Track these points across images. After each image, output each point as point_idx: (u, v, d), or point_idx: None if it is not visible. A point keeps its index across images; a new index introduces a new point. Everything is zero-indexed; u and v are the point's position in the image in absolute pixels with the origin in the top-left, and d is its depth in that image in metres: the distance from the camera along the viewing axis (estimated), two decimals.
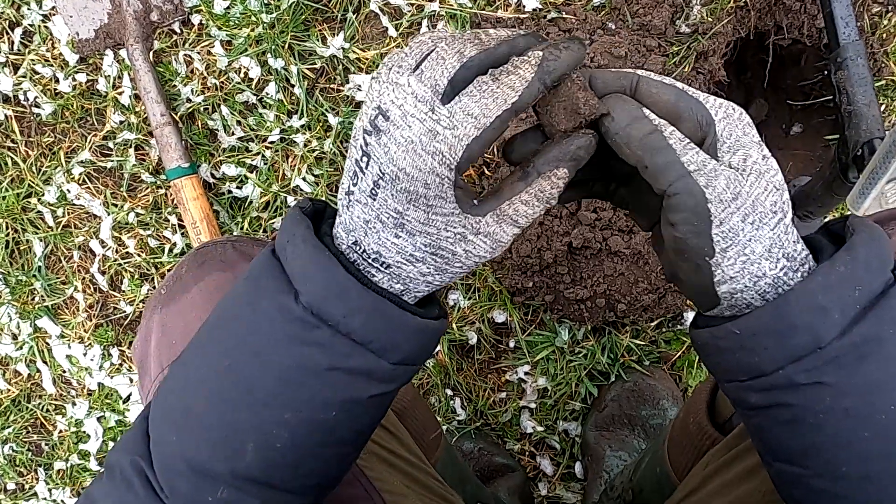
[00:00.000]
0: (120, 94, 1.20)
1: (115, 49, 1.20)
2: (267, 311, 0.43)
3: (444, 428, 1.21)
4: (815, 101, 1.22)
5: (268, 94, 1.18)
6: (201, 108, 1.19)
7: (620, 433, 1.17)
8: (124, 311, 1.27)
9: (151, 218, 1.23)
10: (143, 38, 1.17)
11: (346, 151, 1.18)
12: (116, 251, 1.25)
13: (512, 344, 1.21)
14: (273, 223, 1.22)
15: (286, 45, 1.15)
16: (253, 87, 1.18)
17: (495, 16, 1.12)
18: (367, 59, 1.15)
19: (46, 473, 1.33)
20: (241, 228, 1.23)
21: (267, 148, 1.20)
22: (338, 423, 0.45)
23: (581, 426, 1.23)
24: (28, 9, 1.19)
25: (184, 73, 1.19)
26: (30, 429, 1.33)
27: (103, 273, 1.26)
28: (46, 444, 1.33)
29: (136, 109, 1.20)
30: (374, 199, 0.42)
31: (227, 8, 1.15)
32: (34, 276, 1.26)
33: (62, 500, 1.33)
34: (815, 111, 1.24)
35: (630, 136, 0.42)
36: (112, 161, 1.22)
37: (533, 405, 1.23)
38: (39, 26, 1.19)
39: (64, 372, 1.30)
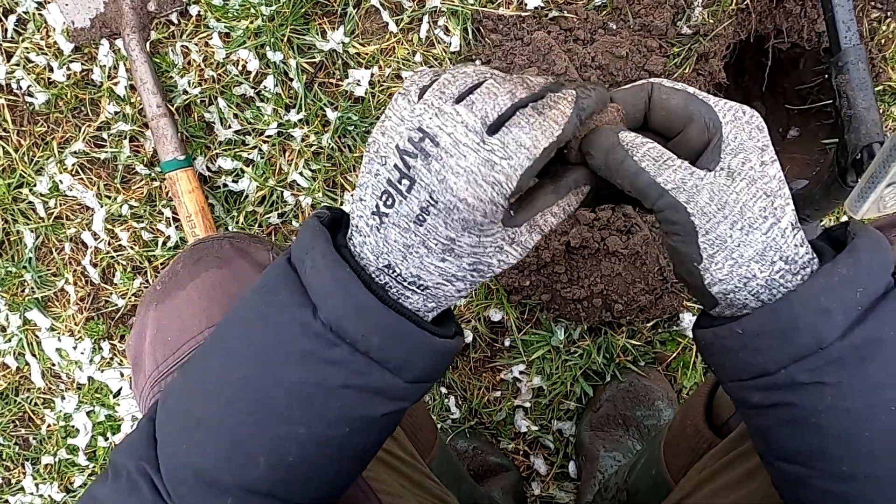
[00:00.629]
0: (115, 84, 1.18)
1: (111, 39, 1.18)
2: (283, 325, 0.43)
3: (439, 426, 1.21)
4: (812, 105, 1.22)
5: (266, 87, 1.16)
6: (198, 101, 1.18)
7: (615, 433, 1.17)
8: (116, 305, 1.26)
9: (145, 210, 1.22)
10: (140, 28, 1.15)
11: (345, 147, 1.18)
12: (109, 244, 1.23)
13: (507, 343, 1.21)
14: (269, 218, 1.21)
15: (285, 39, 1.13)
16: (251, 79, 1.17)
17: (497, 13, 1.11)
18: (366, 53, 1.15)
19: (34, 468, 1.31)
20: (237, 223, 1.22)
21: (264, 142, 1.19)
22: (349, 440, 0.44)
23: (575, 426, 1.23)
24: None
25: (181, 64, 1.18)
26: (17, 422, 1.31)
27: (95, 266, 1.25)
28: (34, 439, 1.31)
29: (132, 100, 1.19)
30: (421, 226, 0.42)
31: None
32: (24, 267, 1.25)
33: (49, 495, 1.31)
34: (813, 115, 1.24)
35: (609, 167, 0.45)
36: (106, 152, 1.21)
37: (527, 404, 1.23)
38: (34, 14, 1.18)
39: (53, 365, 1.29)
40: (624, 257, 1.09)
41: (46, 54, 1.18)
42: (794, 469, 0.45)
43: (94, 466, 1.30)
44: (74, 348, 1.27)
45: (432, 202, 0.41)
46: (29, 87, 1.19)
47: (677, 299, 1.14)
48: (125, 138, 1.20)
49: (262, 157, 1.19)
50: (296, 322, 0.42)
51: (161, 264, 1.24)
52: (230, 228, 1.21)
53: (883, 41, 1.11)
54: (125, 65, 1.18)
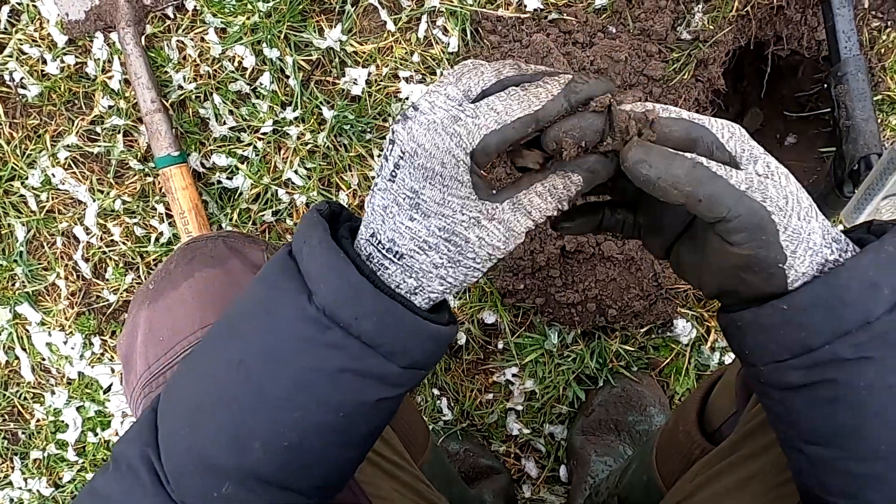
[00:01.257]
0: (109, 78, 1.17)
1: (105, 32, 1.17)
2: (282, 311, 0.44)
3: (431, 428, 1.21)
4: (810, 113, 1.22)
5: (262, 84, 1.16)
6: (193, 96, 1.17)
7: (606, 438, 1.17)
8: (107, 300, 1.25)
9: (138, 206, 1.21)
10: (136, 21, 1.14)
11: (340, 146, 1.17)
12: (101, 238, 1.22)
13: (501, 345, 1.20)
14: (263, 215, 1.21)
15: (282, 36, 1.13)
16: (247, 76, 1.16)
17: (496, 14, 1.10)
18: (364, 52, 1.14)
19: (22, 462, 1.31)
20: (230, 220, 1.21)
21: (259, 139, 1.18)
22: (346, 425, 0.45)
23: (567, 430, 1.23)
24: None
25: (176, 59, 1.17)
26: (6, 417, 1.30)
27: (87, 260, 1.24)
28: (23, 433, 1.30)
29: (126, 95, 1.18)
30: (393, 182, 0.44)
31: None
32: (15, 261, 1.23)
33: (38, 490, 1.30)
34: (810, 123, 1.24)
35: (674, 175, 0.42)
36: (99, 146, 1.19)
37: (520, 407, 1.22)
38: (28, 5, 1.16)
39: (43, 360, 1.28)
40: (619, 262, 1.09)
41: (40, 46, 1.17)
42: (824, 452, 0.44)
43: (84, 462, 1.29)
44: (65, 343, 1.26)
45: (401, 154, 0.43)
46: (22, 79, 1.18)
47: (671, 305, 1.14)
48: (119, 133, 1.19)
49: (256, 155, 1.18)
50: (294, 307, 0.43)
51: (153, 260, 1.23)
52: (224, 225, 1.20)
53: (883, 51, 1.11)
54: (120, 58, 1.17)
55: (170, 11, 1.16)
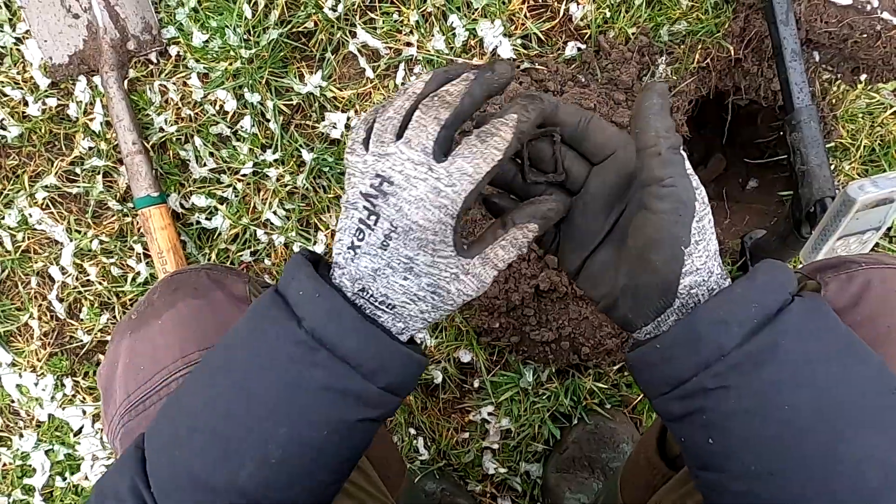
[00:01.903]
0: (91, 120, 1.19)
1: (88, 75, 1.19)
2: (272, 337, 0.49)
3: (407, 467, 1.20)
4: (770, 159, 1.28)
5: (242, 127, 1.18)
6: (174, 138, 1.19)
7: (580, 475, 1.18)
8: (81, 341, 1.24)
9: (116, 246, 1.21)
10: (119, 66, 1.17)
11: (319, 187, 1.19)
12: (77, 278, 1.22)
13: (476, 384, 1.22)
14: (241, 255, 1.22)
15: (263, 81, 1.16)
16: (228, 119, 1.18)
17: (471, 63, 1.15)
18: (343, 98, 1.17)
19: None
20: (208, 259, 1.22)
21: (239, 180, 1.20)
22: (327, 444, 0.48)
23: (543, 468, 1.23)
24: (1, 31, 1.17)
25: (158, 102, 1.19)
26: None
27: (61, 300, 1.23)
28: None
29: (107, 136, 1.19)
30: (385, 250, 0.49)
31: (206, 41, 1.16)
32: None
33: None
34: (770, 168, 1.30)
35: (666, 126, 0.49)
36: (78, 186, 1.20)
37: (496, 446, 1.23)
38: (11, 49, 1.18)
39: (12, 402, 1.25)
40: (591, 301, 1.12)
41: (22, 88, 1.19)
42: (712, 476, 0.49)
43: None
44: (36, 384, 1.24)
45: (393, 228, 0.49)
46: (2, 120, 1.19)
47: None
48: (98, 173, 1.20)
49: (236, 196, 1.20)
50: (282, 332, 0.48)
51: (129, 300, 1.23)
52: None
53: (834, 101, 1.18)
54: (102, 101, 1.19)
55: (153, 56, 1.19)
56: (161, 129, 1.19)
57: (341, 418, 0.48)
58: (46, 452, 1.26)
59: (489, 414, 1.22)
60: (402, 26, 1.15)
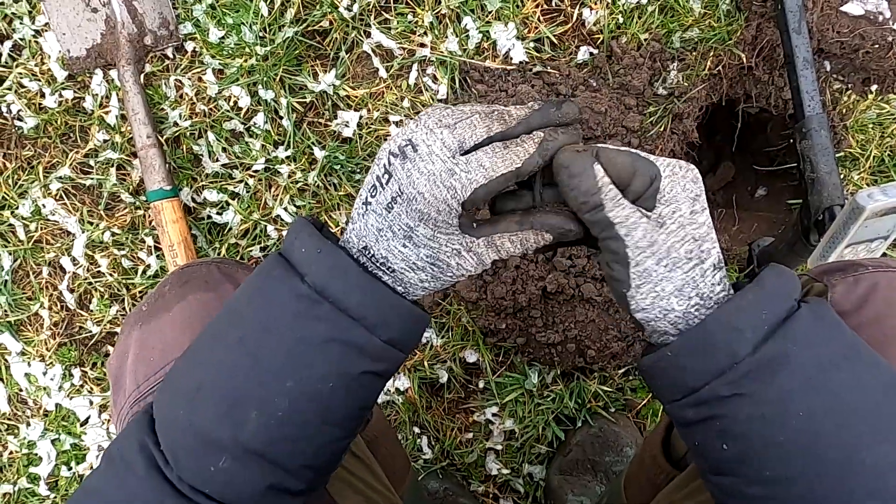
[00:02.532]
0: (106, 113, 1.20)
1: (105, 69, 1.20)
2: (276, 293, 0.50)
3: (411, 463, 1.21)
4: (779, 167, 1.29)
5: (256, 123, 1.19)
6: (188, 133, 1.20)
7: (583, 478, 1.18)
8: (90, 331, 1.25)
9: (127, 238, 1.22)
10: (136, 60, 1.18)
11: (330, 185, 1.20)
12: (88, 269, 1.23)
13: (482, 384, 1.22)
14: (251, 251, 1.23)
15: (278, 78, 1.17)
16: (241, 115, 1.19)
17: (483, 65, 1.16)
18: (356, 96, 1.18)
19: None
20: (219, 254, 1.23)
21: (251, 176, 1.21)
22: (333, 397, 0.49)
23: (545, 470, 1.24)
24: (20, 23, 1.19)
25: (173, 97, 1.20)
26: None
27: (72, 291, 1.24)
28: None
29: (122, 129, 1.21)
30: (389, 212, 0.50)
31: (222, 38, 1.17)
32: None
33: None
34: (779, 176, 1.30)
35: (576, 191, 0.50)
36: (92, 179, 1.22)
37: (499, 447, 1.24)
38: (30, 41, 1.20)
39: (20, 390, 1.26)
40: (598, 304, 1.12)
41: (39, 80, 1.20)
42: (726, 481, 0.50)
43: (56, 496, 1.27)
44: (44, 374, 1.25)
45: (399, 192, 0.49)
46: (19, 111, 1.21)
47: None
48: (112, 166, 1.22)
49: (247, 191, 1.21)
50: (286, 289, 0.49)
51: (139, 292, 1.24)
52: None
53: (844, 111, 1.18)
54: (118, 95, 1.20)
55: (169, 52, 1.20)
56: (175, 124, 1.20)
57: (346, 370, 0.49)
58: (53, 441, 1.26)
59: (493, 415, 1.22)
60: (416, 27, 1.16)
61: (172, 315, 0.70)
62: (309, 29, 1.16)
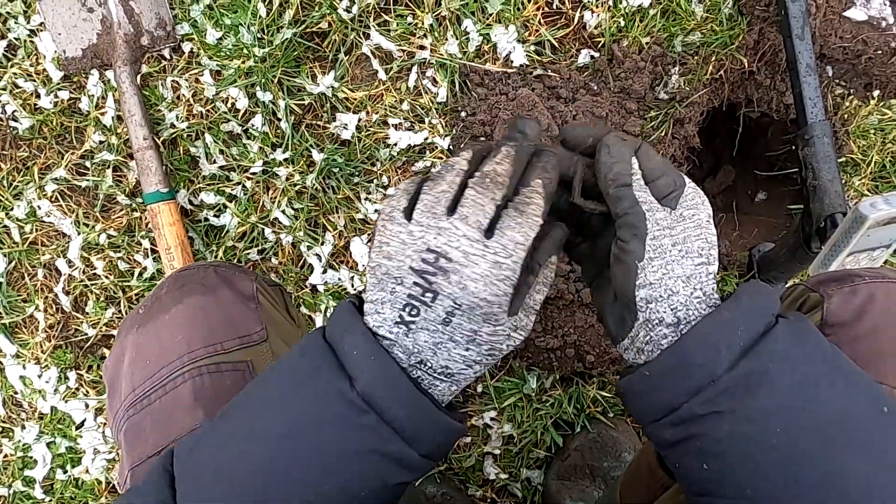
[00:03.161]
0: (102, 114, 1.19)
1: (101, 69, 1.19)
2: (322, 392, 0.49)
3: None
4: (779, 172, 1.28)
5: (253, 125, 1.18)
6: (185, 135, 1.19)
7: (581, 483, 1.18)
8: (86, 334, 1.24)
9: (123, 241, 1.21)
10: (132, 61, 1.17)
11: (328, 188, 1.20)
12: (83, 272, 1.22)
13: (480, 389, 1.22)
14: (248, 253, 1.22)
15: (276, 80, 1.16)
16: (239, 117, 1.18)
17: (483, 68, 1.15)
18: (355, 99, 1.17)
19: None
20: (216, 257, 1.22)
21: (248, 178, 1.20)
22: (365, 502, 0.48)
23: (544, 475, 1.23)
24: (15, 23, 1.18)
25: (170, 98, 1.19)
26: None
27: (67, 293, 1.23)
28: None
29: (118, 131, 1.20)
30: (448, 325, 0.49)
31: (220, 39, 1.16)
32: None
33: None
34: (780, 181, 1.30)
35: (614, 174, 0.52)
36: (88, 180, 1.20)
37: (497, 451, 1.23)
38: (25, 41, 1.18)
39: (15, 393, 1.25)
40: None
41: (35, 81, 1.19)
42: (710, 501, 0.49)
43: (51, 500, 1.26)
44: (39, 377, 1.24)
45: (456, 306, 0.49)
46: (14, 112, 1.19)
47: None
48: (108, 167, 1.20)
49: (245, 194, 1.20)
50: (333, 390, 0.48)
51: (135, 295, 1.23)
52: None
53: (846, 116, 1.18)
54: (114, 95, 1.19)
55: (166, 52, 1.19)
56: (172, 125, 1.19)
57: (384, 481, 0.49)
58: (48, 445, 1.26)
59: (492, 419, 1.22)
60: (416, 29, 1.15)
61: (169, 318, 0.70)
62: (307, 30, 1.15)
